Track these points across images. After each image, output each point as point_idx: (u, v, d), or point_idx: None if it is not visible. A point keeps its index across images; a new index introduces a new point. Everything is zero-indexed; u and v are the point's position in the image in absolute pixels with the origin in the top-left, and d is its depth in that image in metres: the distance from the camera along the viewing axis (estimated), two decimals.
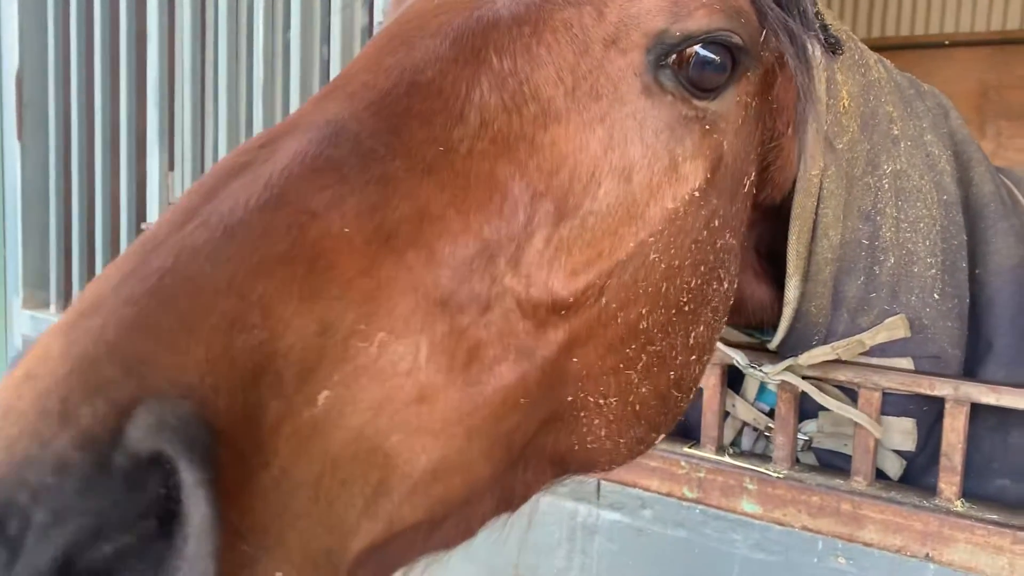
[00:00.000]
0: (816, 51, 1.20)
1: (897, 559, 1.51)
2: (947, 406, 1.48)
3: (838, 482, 1.58)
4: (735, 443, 1.79)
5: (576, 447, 0.98)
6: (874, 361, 1.48)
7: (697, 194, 0.95)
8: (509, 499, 0.97)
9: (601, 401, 0.95)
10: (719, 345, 1.59)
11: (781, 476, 1.62)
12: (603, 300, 0.88)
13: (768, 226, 1.39)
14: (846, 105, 1.32)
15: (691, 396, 1.11)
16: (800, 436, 1.68)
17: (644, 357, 0.96)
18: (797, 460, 1.69)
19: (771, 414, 1.71)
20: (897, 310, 1.43)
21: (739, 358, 1.55)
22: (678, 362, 1.01)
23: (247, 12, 2.80)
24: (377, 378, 0.70)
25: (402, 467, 0.73)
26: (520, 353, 0.82)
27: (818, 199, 1.28)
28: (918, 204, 1.45)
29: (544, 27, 0.89)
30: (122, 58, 3.07)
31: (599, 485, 1.85)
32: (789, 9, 1.04)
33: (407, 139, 0.77)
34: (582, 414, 0.95)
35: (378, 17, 2.32)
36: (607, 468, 1.06)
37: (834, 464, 1.66)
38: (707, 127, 0.96)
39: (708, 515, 1.71)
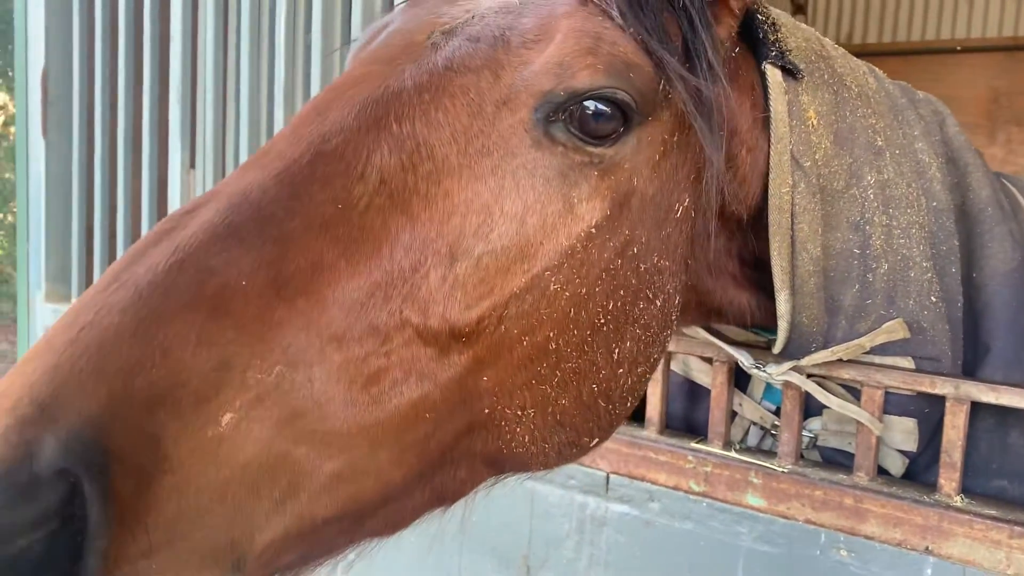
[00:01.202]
0: (776, 76, 1.29)
1: (897, 552, 1.56)
2: (947, 404, 1.52)
3: (841, 477, 1.63)
4: (742, 441, 1.84)
5: (504, 450, 1.08)
6: (876, 360, 1.53)
7: (596, 230, 1.04)
8: (442, 495, 1.08)
9: (519, 412, 1.05)
10: (722, 345, 1.64)
11: (786, 471, 1.67)
12: (503, 327, 0.99)
13: (747, 237, 1.43)
14: (814, 123, 1.37)
15: (629, 403, 1.19)
16: (806, 433, 1.73)
17: (559, 373, 1.06)
18: (802, 456, 1.74)
19: (778, 412, 1.75)
20: (894, 315, 1.48)
21: (744, 359, 1.60)
22: (601, 375, 1.10)
23: (269, 13, 2.85)
24: (279, 402, 0.84)
25: (309, 473, 0.87)
26: (422, 375, 0.94)
27: (792, 215, 1.34)
28: (908, 211, 1.48)
29: (443, 93, 1.00)
30: (145, 57, 3.14)
31: (608, 479, 1.90)
32: (694, 56, 1.11)
33: (306, 201, 0.90)
34: (502, 423, 1.05)
35: None
36: (541, 469, 1.15)
37: (839, 462, 1.71)
38: (607, 169, 1.05)
39: (714, 508, 1.76)
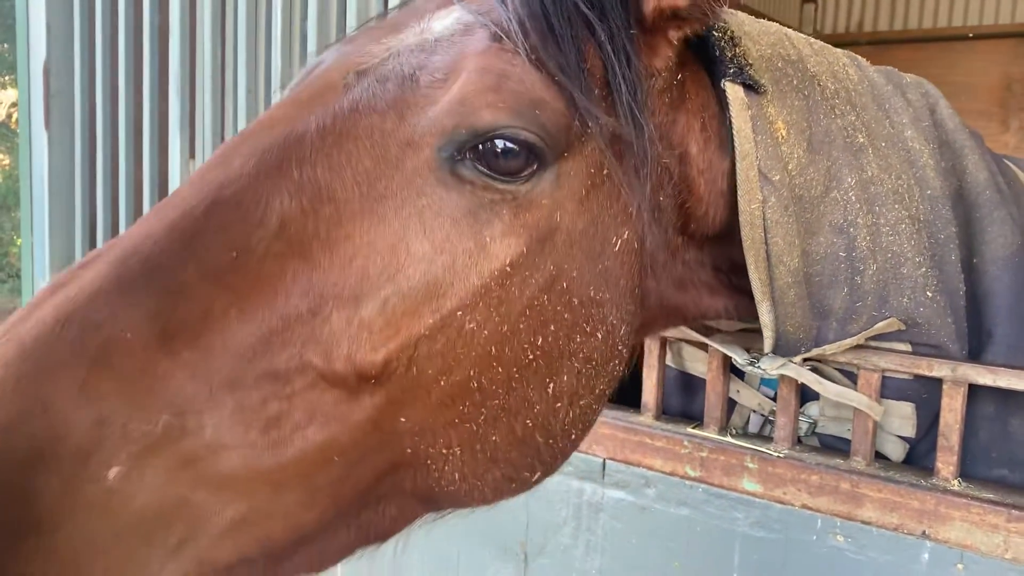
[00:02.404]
0: (737, 93, 1.25)
1: (894, 537, 1.54)
2: (945, 387, 1.50)
3: (837, 461, 1.61)
4: (744, 428, 1.82)
5: (435, 488, 1.05)
6: (873, 344, 1.51)
7: (513, 268, 1.00)
8: (369, 533, 1.05)
9: (445, 451, 1.02)
10: (714, 345, 1.63)
11: (782, 455, 1.65)
12: (414, 368, 0.95)
13: (722, 247, 1.38)
14: (784, 135, 1.33)
15: (574, 436, 1.14)
16: (804, 419, 1.71)
17: (484, 411, 1.01)
18: (799, 441, 1.72)
19: (776, 399, 1.74)
20: (887, 315, 1.44)
21: (738, 356, 1.57)
22: (536, 411, 1.06)
23: (266, 3, 2.85)
24: (169, 451, 0.83)
25: (207, 518, 0.86)
26: (329, 418, 0.92)
27: (764, 230, 1.30)
28: (897, 206, 1.45)
29: (346, 136, 0.98)
30: (145, 50, 3.15)
31: (604, 464, 1.89)
32: (614, 92, 1.07)
33: (200, 250, 0.88)
34: (428, 462, 1.02)
35: (392, 3, 2.37)
36: (480, 504, 1.11)
37: (838, 448, 1.69)
38: (522, 206, 1.01)
39: (710, 494, 1.75)
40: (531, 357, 1.03)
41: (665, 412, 1.89)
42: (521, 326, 1.01)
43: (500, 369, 1.01)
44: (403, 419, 0.98)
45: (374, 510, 1.03)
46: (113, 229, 3.32)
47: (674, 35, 1.19)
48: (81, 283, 0.86)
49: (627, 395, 1.81)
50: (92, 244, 3.39)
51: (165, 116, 3.10)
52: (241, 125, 2.83)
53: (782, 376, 1.63)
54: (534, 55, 1.02)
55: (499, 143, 0.99)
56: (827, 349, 1.44)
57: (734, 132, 1.27)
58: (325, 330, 0.91)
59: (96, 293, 0.84)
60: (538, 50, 1.02)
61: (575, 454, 1.91)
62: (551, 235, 1.03)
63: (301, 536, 0.95)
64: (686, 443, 1.77)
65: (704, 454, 1.75)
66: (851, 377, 1.60)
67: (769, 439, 1.72)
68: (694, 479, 1.77)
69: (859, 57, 1.70)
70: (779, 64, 1.39)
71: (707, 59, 1.32)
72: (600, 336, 1.10)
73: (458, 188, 0.99)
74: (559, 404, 1.08)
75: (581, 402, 1.11)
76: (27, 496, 0.76)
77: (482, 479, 1.06)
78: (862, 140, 1.45)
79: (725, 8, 1.16)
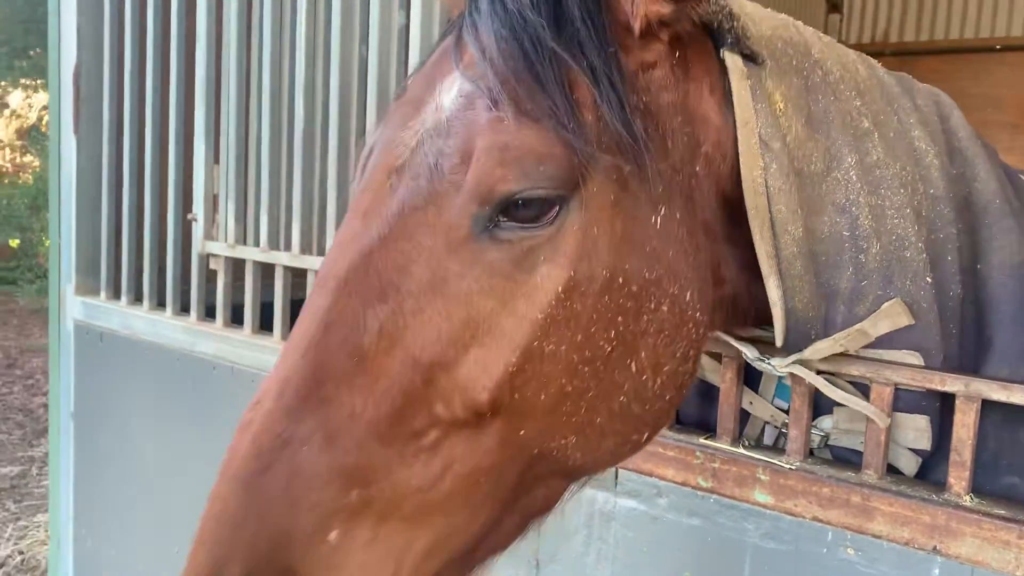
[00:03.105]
0: (737, 63, 1.33)
1: (905, 551, 1.54)
2: (958, 402, 1.50)
3: (849, 475, 1.61)
4: (758, 440, 1.82)
5: (567, 467, 1.24)
6: (884, 355, 1.51)
7: (567, 291, 1.13)
8: (531, 513, 1.27)
9: (563, 441, 1.19)
10: (727, 338, 1.63)
11: (793, 468, 1.66)
12: (516, 395, 1.13)
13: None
14: (781, 107, 1.38)
15: (668, 397, 1.26)
16: (816, 432, 1.71)
17: (583, 403, 1.17)
18: (811, 453, 1.73)
19: (789, 411, 1.74)
20: (892, 295, 1.46)
21: (748, 352, 1.59)
22: (625, 388, 1.20)
23: (291, 13, 2.89)
24: (364, 511, 1.08)
25: (407, 550, 1.11)
26: (467, 451, 1.13)
27: (767, 197, 1.35)
28: (902, 191, 1.47)
29: (402, 237, 1.15)
30: (172, 57, 3.20)
31: (616, 473, 1.90)
32: (608, 109, 1.16)
33: (329, 366, 1.10)
34: (554, 453, 1.20)
35: (415, 18, 2.40)
36: (610, 466, 1.33)
37: (851, 462, 1.69)
38: (558, 240, 1.14)
39: (722, 504, 1.75)
40: (609, 349, 1.17)
41: (682, 421, 1.90)
42: (593, 330, 1.15)
43: (586, 369, 1.16)
44: (522, 432, 1.15)
45: (527, 496, 1.24)
46: (137, 232, 3.37)
47: (665, 34, 1.26)
48: (259, 422, 1.08)
49: None
50: (117, 247, 3.44)
51: (191, 121, 3.16)
52: (265, 131, 2.88)
53: (794, 386, 1.63)
54: (525, 110, 1.13)
55: (519, 201, 1.12)
56: (838, 338, 1.46)
57: (734, 99, 1.33)
58: (439, 390, 1.11)
59: (273, 423, 1.07)
60: (526, 105, 1.13)
61: None
62: (593, 248, 1.14)
63: (476, 539, 1.18)
64: (698, 454, 1.78)
65: (716, 465, 1.75)
66: (864, 391, 1.60)
67: (782, 451, 1.72)
68: (706, 490, 1.77)
69: (869, 58, 1.72)
70: (779, 44, 1.43)
71: (708, 29, 1.38)
72: (666, 308, 1.21)
73: (499, 247, 1.13)
74: (644, 376, 1.21)
75: (666, 368, 1.23)
76: (284, 568, 1.04)
77: (599, 450, 1.23)
78: (867, 125, 1.48)
79: (709, 6, 1.24)
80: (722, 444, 1.77)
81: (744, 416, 1.81)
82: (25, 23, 15.89)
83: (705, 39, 1.37)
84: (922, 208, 1.53)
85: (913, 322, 1.49)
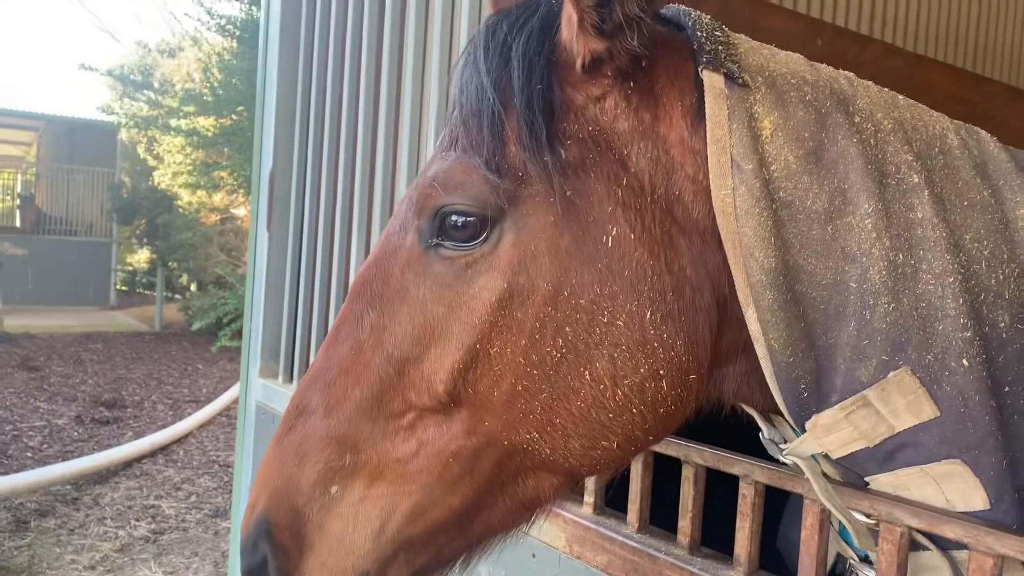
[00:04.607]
0: (716, 83, 1.34)
1: None
2: None
3: None
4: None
5: (546, 462, 1.35)
6: (927, 470, 1.31)
7: (508, 299, 1.28)
8: (522, 499, 1.39)
9: (528, 436, 1.31)
10: (752, 412, 1.54)
11: None
12: (470, 389, 1.30)
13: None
14: (768, 134, 1.34)
15: (636, 411, 1.31)
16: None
17: (538, 404, 1.29)
18: None
19: (867, 559, 1.49)
20: (900, 364, 1.27)
21: (764, 429, 1.51)
22: (583, 393, 1.28)
23: None
24: (357, 473, 1.34)
25: (394, 510, 1.33)
26: (437, 432, 1.32)
27: (735, 219, 1.29)
28: (947, 257, 1.31)
29: (384, 256, 1.39)
30: (358, 158, 3.46)
31: None
32: (525, 141, 1.28)
33: (335, 356, 1.38)
34: (524, 446, 1.33)
35: None
36: (588, 471, 1.40)
37: None
38: (494, 256, 1.29)
39: None
40: (559, 355, 1.27)
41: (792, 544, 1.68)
42: (537, 336, 1.27)
43: (535, 372, 1.28)
44: (486, 423, 1.31)
45: (515, 484, 1.37)
46: (309, 320, 3.64)
47: (608, 68, 1.33)
48: (294, 395, 1.42)
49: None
50: (294, 333, 3.74)
51: (370, 223, 3.37)
52: None
53: (883, 543, 1.38)
54: (462, 145, 1.33)
55: (451, 220, 1.30)
56: (845, 406, 1.30)
57: (707, 117, 1.32)
58: (410, 380, 1.32)
59: (298, 397, 1.40)
60: (463, 140, 1.33)
61: None
62: (533, 263, 1.28)
63: (462, 512, 1.34)
64: None
65: None
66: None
67: None
68: None
69: (983, 132, 1.53)
70: (791, 80, 1.39)
71: (692, 51, 1.39)
72: (622, 323, 1.27)
73: (443, 263, 1.32)
74: (602, 386, 1.28)
75: (626, 381, 1.29)
76: (297, 512, 1.33)
77: (567, 450, 1.32)
78: (916, 180, 1.36)
79: (645, 26, 1.29)
80: None
81: None
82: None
83: (686, 62, 1.38)
84: (1004, 290, 1.33)
85: (939, 414, 1.26)
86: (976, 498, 1.30)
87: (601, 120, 1.33)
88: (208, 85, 16.30)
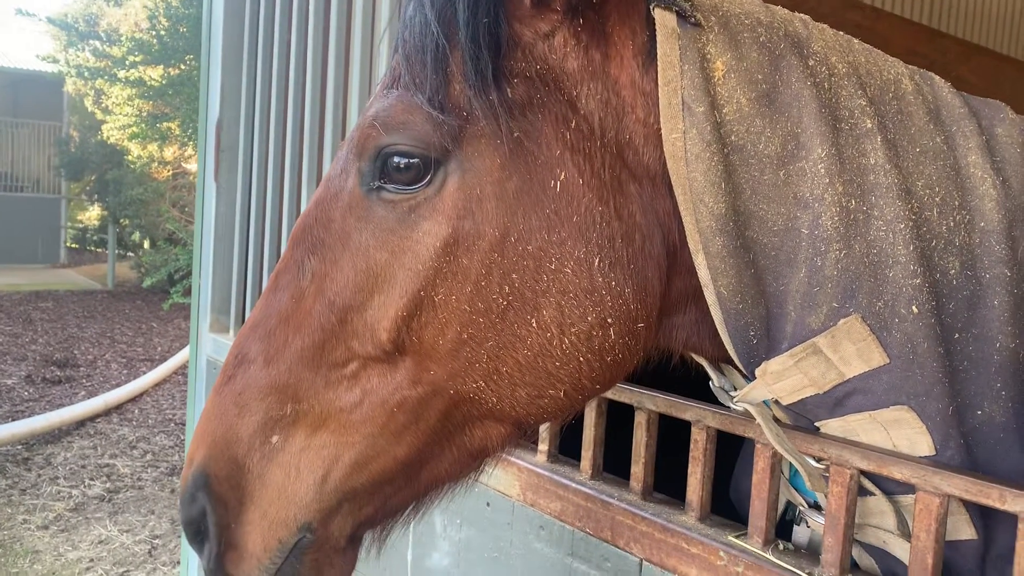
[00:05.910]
0: (668, 21, 1.29)
1: None
2: (1020, 527, 1.21)
3: None
4: (796, 517, 1.58)
5: (494, 411, 1.32)
6: (877, 416, 1.30)
7: (453, 245, 1.24)
8: (470, 450, 1.37)
9: (474, 385, 1.29)
10: (703, 362, 1.53)
11: None
12: (415, 338, 1.26)
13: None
14: (720, 75, 1.30)
15: (583, 358, 1.28)
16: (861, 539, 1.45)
17: (484, 351, 1.26)
18: (854, 564, 1.46)
19: (816, 506, 1.50)
20: (851, 311, 1.27)
21: (714, 378, 1.50)
22: (529, 342, 1.26)
23: None
24: (298, 422, 1.30)
25: (337, 460, 1.29)
26: (381, 381, 1.29)
27: (686, 163, 1.27)
28: (899, 204, 1.30)
29: (325, 201, 1.34)
30: (306, 106, 3.35)
31: (641, 565, 1.71)
32: (470, 77, 1.23)
33: (274, 304, 1.34)
34: (471, 395, 1.30)
35: None
36: (535, 420, 1.36)
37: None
38: (437, 200, 1.25)
39: None
40: (505, 303, 1.24)
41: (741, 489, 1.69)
42: (483, 284, 1.24)
43: (480, 320, 1.25)
44: (431, 372, 1.27)
45: (462, 434, 1.34)
46: (260, 273, 3.56)
47: (558, 4, 1.28)
48: (234, 343, 1.38)
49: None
50: (244, 286, 3.66)
51: (321, 169, 3.28)
52: None
53: (832, 484, 1.39)
54: (404, 84, 1.28)
55: (393, 161, 1.25)
56: (794, 353, 1.30)
57: (658, 57, 1.28)
58: (353, 329, 1.28)
59: (237, 345, 1.36)
60: (406, 79, 1.27)
61: (611, 550, 1.76)
62: (479, 208, 1.23)
63: (408, 462, 1.31)
64: (722, 554, 1.56)
65: (740, 569, 1.53)
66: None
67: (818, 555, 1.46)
68: None
69: (937, 78, 1.50)
70: (745, 20, 1.36)
71: None
72: (570, 270, 1.25)
73: (385, 206, 1.27)
74: (549, 334, 1.26)
75: (573, 329, 1.26)
76: (235, 461, 1.29)
77: (514, 399, 1.30)
78: (870, 125, 1.33)
79: None
80: (751, 546, 1.54)
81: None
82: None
83: (637, 1, 1.33)
84: (954, 237, 1.32)
85: (888, 361, 1.27)
86: (922, 444, 1.31)
87: (550, 58, 1.28)
88: (155, 33, 15.75)
